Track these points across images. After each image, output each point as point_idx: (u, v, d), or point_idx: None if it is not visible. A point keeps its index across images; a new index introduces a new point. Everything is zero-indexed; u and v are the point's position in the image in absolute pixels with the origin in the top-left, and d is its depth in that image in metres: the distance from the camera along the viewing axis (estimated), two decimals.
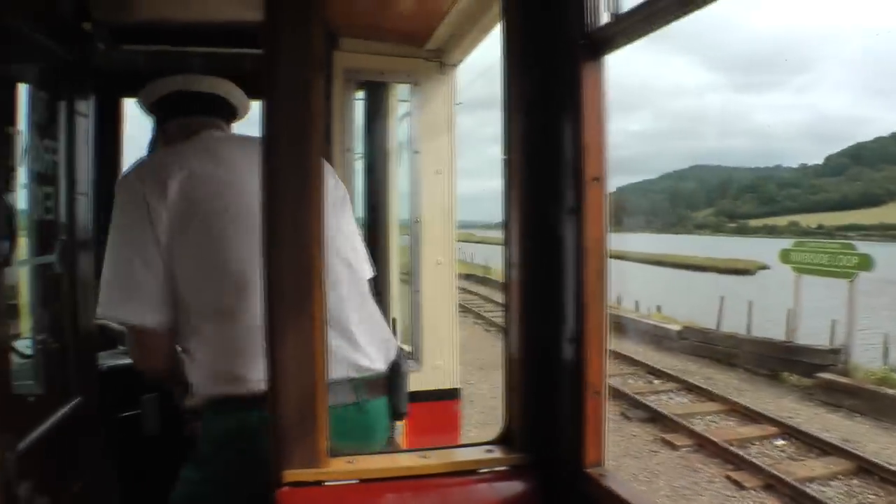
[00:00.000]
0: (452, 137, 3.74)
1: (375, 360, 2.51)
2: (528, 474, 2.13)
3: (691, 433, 13.00)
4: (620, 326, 24.26)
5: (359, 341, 2.47)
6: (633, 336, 23.56)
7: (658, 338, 22.95)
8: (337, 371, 2.29)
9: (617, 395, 15.49)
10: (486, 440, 2.22)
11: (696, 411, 14.71)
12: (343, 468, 1.93)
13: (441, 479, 2.07)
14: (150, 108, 2.82)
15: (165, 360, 2.50)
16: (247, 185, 2.30)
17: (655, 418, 14.20)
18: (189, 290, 2.34)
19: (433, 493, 2.06)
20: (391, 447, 2.74)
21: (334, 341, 2.26)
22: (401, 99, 4.13)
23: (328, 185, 2.33)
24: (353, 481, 1.95)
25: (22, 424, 2.26)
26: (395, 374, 2.58)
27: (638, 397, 15.38)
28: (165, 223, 2.31)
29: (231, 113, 2.84)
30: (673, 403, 15.56)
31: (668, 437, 13.10)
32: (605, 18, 1.96)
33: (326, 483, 1.91)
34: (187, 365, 2.41)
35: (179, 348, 2.46)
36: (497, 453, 2.16)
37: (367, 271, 2.78)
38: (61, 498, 2.50)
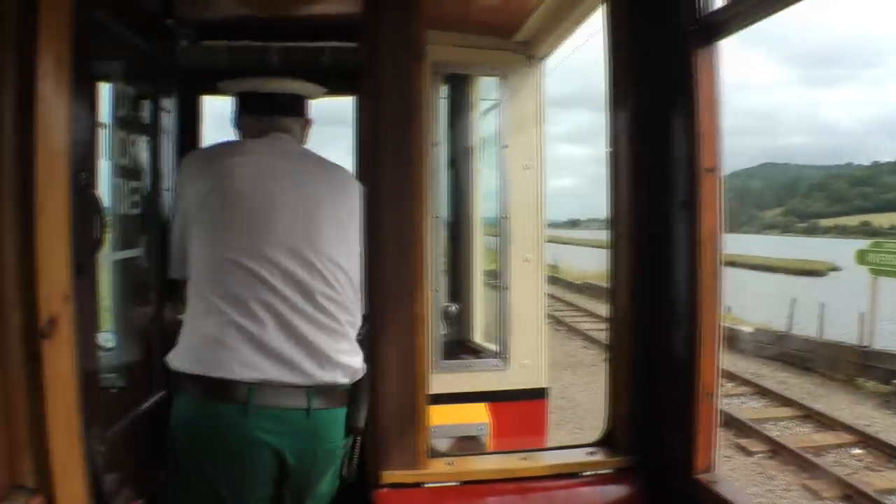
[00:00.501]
0: (541, 131, 3.64)
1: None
2: (632, 478, 2.04)
3: (766, 439, 12.39)
4: None
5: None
6: None
7: (730, 340, 22.18)
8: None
9: None
10: (587, 442, 2.13)
11: (770, 416, 13.96)
12: (443, 470, 1.87)
13: (543, 481, 2.00)
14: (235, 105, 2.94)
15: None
16: (267, 193, 2.49)
17: (729, 422, 13.47)
18: (192, 265, 2.52)
19: (536, 497, 1.99)
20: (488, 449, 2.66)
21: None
22: (483, 98, 4.05)
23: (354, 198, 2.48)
24: (454, 483, 1.88)
25: (109, 417, 2.26)
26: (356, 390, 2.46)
27: None
28: (191, 203, 2.54)
29: (300, 105, 2.90)
30: (746, 408, 14.78)
31: (742, 442, 12.47)
32: (717, 2, 1.87)
33: (426, 485, 1.84)
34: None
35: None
36: (600, 455, 2.08)
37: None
38: (145, 489, 2.50)
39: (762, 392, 15.73)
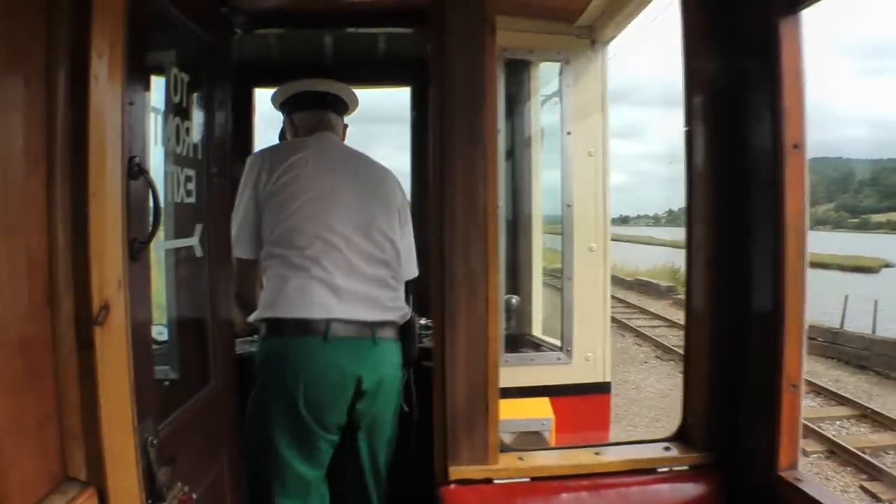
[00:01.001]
0: (605, 118, 3.52)
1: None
2: (711, 475, 1.94)
3: (823, 439, 12.18)
4: None
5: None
6: None
7: None
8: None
9: None
10: (662, 436, 2.03)
11: (825, 415, 13.74)
12: (514, 465, 1.78)
13: (616, 477, 1.92)
14: (280, 107, 3.63)
15: (250, 288, 3.35)
16: (329, 180, 3.18)
17: None
18: (269, 241, 3.15)
19: (609, 493, 1.90)
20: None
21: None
22: (541, 85, 3.96)
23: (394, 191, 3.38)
24: (524, 479, 1.79)
25: (163, 408, 2.21)
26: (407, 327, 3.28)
27: None
28: (265, 191, 3.16)
29: (343, 107, 3.61)
30: (803, 406, 14.53)
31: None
32: None
33: (496, 481, 1.75)
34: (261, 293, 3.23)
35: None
36: (675, 451, 1.99)
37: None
38: (199, 482, 2.45)
39: (817, 390, 15.36)
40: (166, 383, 2.57)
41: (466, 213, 1.67)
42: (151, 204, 1.94)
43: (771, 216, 1.80)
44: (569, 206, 3.46)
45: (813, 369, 17.47)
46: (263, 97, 4.61)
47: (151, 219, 1.96)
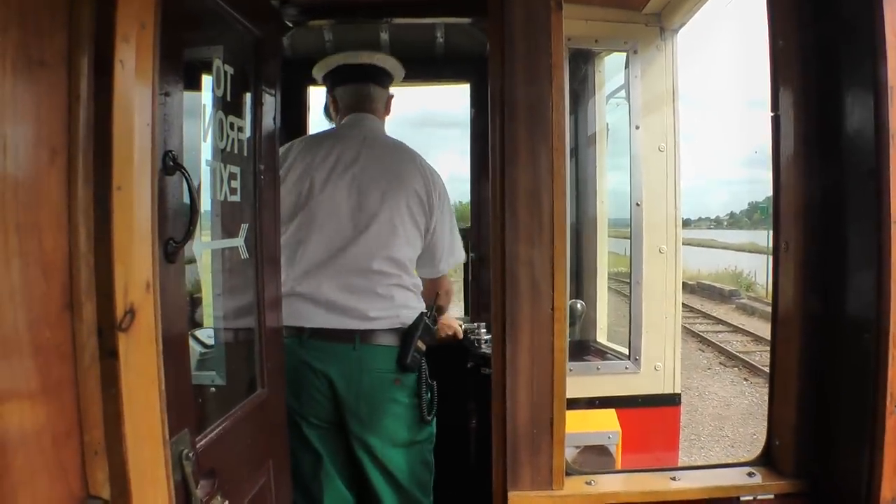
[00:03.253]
0: (676, 110, 3.32)
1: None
2: None
3: None
4: None
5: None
6: None
7: None
8: None
9: None
10: (745, 460, 1.83)
11: None
12: (581, 490, 1.61)
13: None
14: (323, 81, 3.58)
15: None
16: (333, 188, 3.20)
17: None
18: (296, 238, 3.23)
19: None
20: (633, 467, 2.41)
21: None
22: (606, 78, 3.78)
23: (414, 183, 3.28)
24: None
25: (204, 418, 2.13)
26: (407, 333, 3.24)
27: None
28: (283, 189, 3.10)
29: (387, 78, 3.52)
30: None
31: None
32: None
33: None
34: None
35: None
36: (760, 477, 1.79)
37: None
38: (241, 495, 2.35)
39: None
40: (211, 390, 2.46)
41: (530, 215, 1.51)
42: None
43: (871, 211, 1.59)
44: (638, 205, 3.27)
45: None
46: (319, 94, 4.54)
47: (188, 218, 1.83)
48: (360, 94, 3.44)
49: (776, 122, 1.77)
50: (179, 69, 1.84)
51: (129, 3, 1.48)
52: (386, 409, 3.20)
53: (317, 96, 4.59)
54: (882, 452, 1.59)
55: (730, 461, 1.89)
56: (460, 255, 3.50)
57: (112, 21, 1.44)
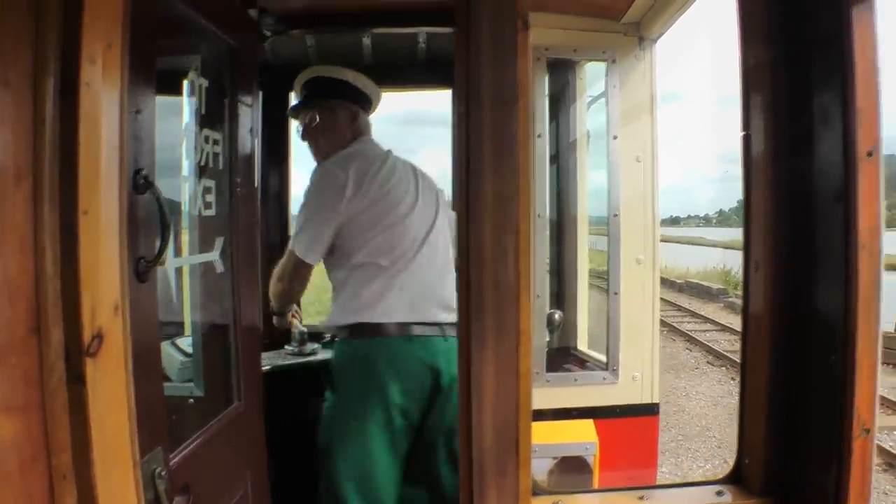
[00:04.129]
0: (654, 121, 3.32)
1: None
2: None
3: (879, 450, 10.55)
4: None
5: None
6: None
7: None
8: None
9: None
10: (713, 478, 1.83)
11: (884, 425, 12.40)
12: None
13: None
14: (300, 90, 3.67)
15: (300, 287, 3.61)
16: (405, 189, 3.43)
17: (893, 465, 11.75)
18: (354, 246, 3.30)
19: None
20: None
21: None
22: (587, 86, 3.78)
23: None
24: None
25: (179, 436, 2.11)
26: None
27: None
28: (352, 206, 3.27)
29: (365, 100, 3.67)
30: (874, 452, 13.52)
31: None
32: None
33: None
34: (335, 297, 3.42)
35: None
36: (730, 496, 1.79)
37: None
38: None
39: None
40: (186, 406, 2.46)
41: (495, 233, 1.50)
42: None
43: (841, 234, 1.60)
44: (615, 215, 3.26)
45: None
46: None
47: (160, 237, 1.83)
48: (359, 116, 3.64)
49: (747, 141, 1.77)
50: (151, 85, 1.83)
51: (95, 22, 1.47)
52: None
53: None
54: (849, 475, 1.60)
55: (700, 479, 1.88)
56: None
57: (78, 41, 1.43)
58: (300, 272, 3.46)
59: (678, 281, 35.01)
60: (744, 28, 1.81)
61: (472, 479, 1.56)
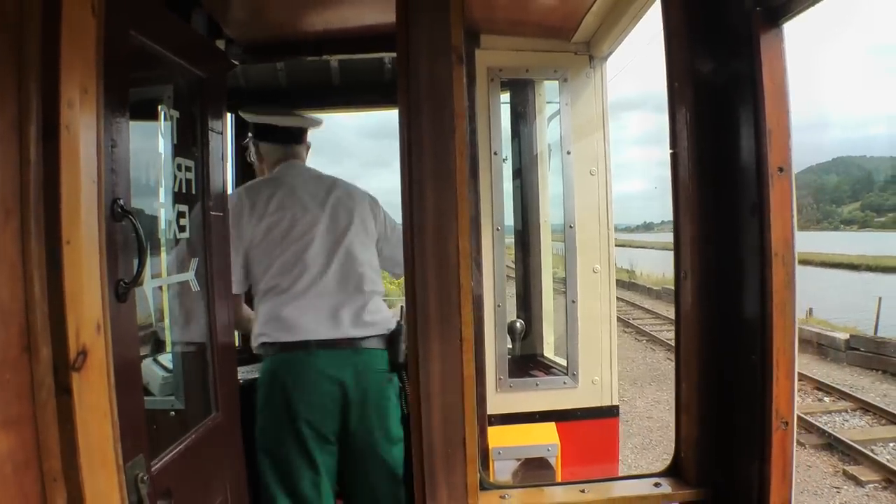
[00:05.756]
0: (606, 135, 3.47)
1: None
2: None
3: (878, 465, 10.91)
4: None
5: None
6: None
7: (822, 347, 20.36)
8: None
9: None
10: (653, 471, 1.98)
11: (877, 437, 12.42)
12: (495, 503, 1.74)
13: None
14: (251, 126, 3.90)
15: (238, 316, 3.63)
16: (305, 208, 3.53)
17: (832, 445, 12.18)
18: (259, 273, 3.49)
19: None
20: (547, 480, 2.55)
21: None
22: (548, 101, 3.94)
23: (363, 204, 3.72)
24: None
25: (159, 444, 2.24)
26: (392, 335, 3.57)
27: (808, 418, 13.29)
28: (249, 227, 3.49)
29: (305, 134, 3.89)
30: (849, 426, 13.30)
31: (850, 469, 11.01)
32: None
33: None
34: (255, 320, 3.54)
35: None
36: (666, 487, 1.93)
37: None
38: None
39: (864, 407, 14.27)
40: (165, 417, 2.60)
41: (437, 251, 1.66)
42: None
43: (758, 243, 1.77)
44: (571, 227, 3.42)
45: (857, 383, 16.63)
46: None
47: (137, 261, 1.99)
48: (284, 151, 3.79)
49: (674, 158, 1.92)
50: (125, 121, 1.99)
51: (71, 72, 1.62)
52: (387, 415, 3.47)
53: None
54: (770, 464, 1.74)
55: (641, 473, 2.03)
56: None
57: (56, 89, 1.58)
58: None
59: (655, 288, 35.00)
60: (669, 57, 1.96)
61: (424, 476, 1.71)
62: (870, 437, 12.45)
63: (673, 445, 2.04)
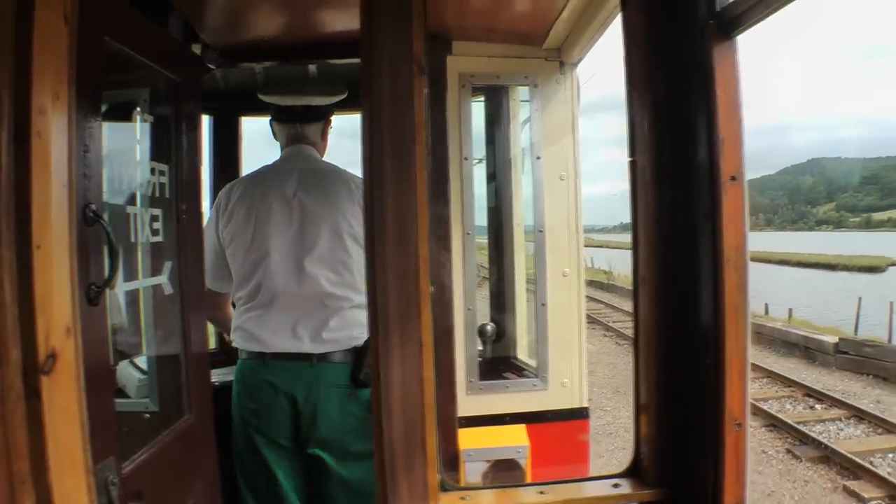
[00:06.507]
0: (576, 140, 3.51)
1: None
2: None
3: (879, 480, 10.40)
4: (762, 337, 21.84)
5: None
6: (780, 348, 21.06)
7: (809, 350, 19.97)
8: None
9: (777, 423, 13.30)
10: (612, 472, 2.01)
11: (875, 448, 11.92)
12: None
13: None
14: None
15: (220, 313, 3.81)
16: (269, 217, 3.44)
17: (829, 458, 11.58)
18: (235, 277, 3.51)
19: None
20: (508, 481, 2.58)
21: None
22: (523, 99, 3.98)
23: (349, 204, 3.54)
24: None
25: (132, 446, 2.26)
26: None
27: (802, 428, 12.79)
28: (221, 229, 3.51)
29: (320, 113, 3.78)
30: (845, 436, 12.75)
31: (850, 484, 10.48)
32: None
33: None
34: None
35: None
36: (626, 488, 1.96)
37: None
38: None
39: (859, 415, 13.71)
40: (138, 419, 2.62)
41: (397, 257, 1.69)
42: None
43: (711, 249, 1.81)
44: (540, 231, 3.45)
45: (848, 389, 16.24)
46: (250, 124, 4.73)
47: (108, 265, 2.01)
48: (292, 131, 3.70)
49: (633, 166, 1.96)
50: (98, 126, 2.02)
51: (43, 78, 1.65)
52: (348, 430, 3.42)
53: (249, 125, 4.78)
54: (724, 465, 1.78)
55: (599, 474, 2.07)
56: None
57: (28, 95, 1.61)
58: (212, 300, 3.56)
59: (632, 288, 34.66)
60: (629, 67, 2.01)
61: (385, 477, 1.74)
62: (867, 447, 12.01)
63: None
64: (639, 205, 1.96)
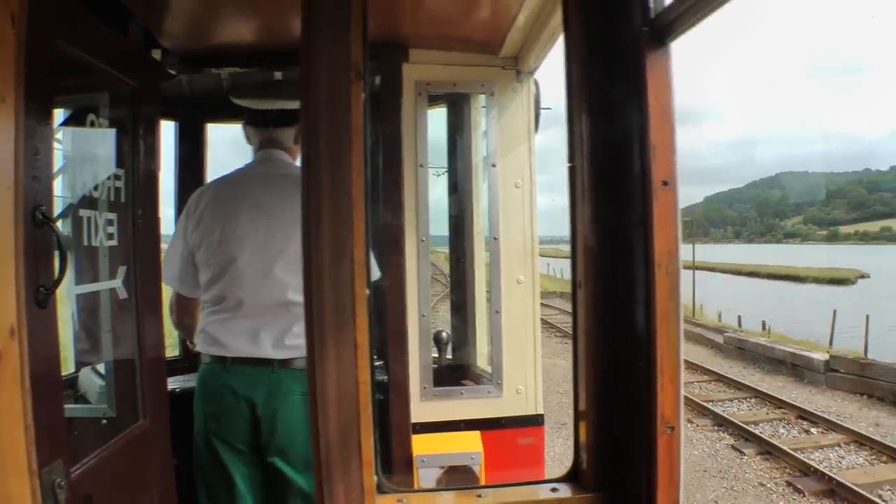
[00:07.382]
0: (532, 149, 3.55)
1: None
2: None
3: None
4: (746, 353, 21.90)
5: None
6: (765, 365, 20.58)
7: (797, 368, 19.23)
8: None
9: (773, 450, 12.36)
10: (551, 477, 2.03)
11: (882, 479, 10.77)
12: None
13: None
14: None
15: (189, 319, 3.67)
16: (236, 223, 3.32)
17: (834, 491, 10.50)
18: (202, 281, 3.40)
19: None
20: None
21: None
22: (484, 107, 4.02)
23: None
24: None
25: (79, 448, 2.25)
26: None
27: (800, 455, 11.80)
28: (188, 233, 3.40)
29: (292, 115, 3.62)
30: (847, 465, 11.75)
31: None
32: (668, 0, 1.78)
33: None
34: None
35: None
36: (564, 492, 1.97)
37: None
38: None
39: (859, 440, 12.78)
40: (90, 422, 2.61)
41: (333, 262, 1.70)
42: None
43: (643, 254, 1.83)
44: (496, 238, 3.47)
45: (843, 410, 15.37)
46: (215, 130, 4.72)
47: (58, 267, 2.01)
48: (263, 136, 3.62)
49: (572, 172, 1.98)
50: (48, 129, 2.02)
51: None
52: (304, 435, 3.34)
53: (214, 131, 4.78)
54: (657, 468, 1.80)
55: (538, 479, 2.08)
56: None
57: None
58: (183, 306, 3.62)
59: None
60: (569, 73, 2.02)
61: (322, 479, 1.74)
62: (874, 478, 10.87)
63: None
64: (577, 210, 1.98)
